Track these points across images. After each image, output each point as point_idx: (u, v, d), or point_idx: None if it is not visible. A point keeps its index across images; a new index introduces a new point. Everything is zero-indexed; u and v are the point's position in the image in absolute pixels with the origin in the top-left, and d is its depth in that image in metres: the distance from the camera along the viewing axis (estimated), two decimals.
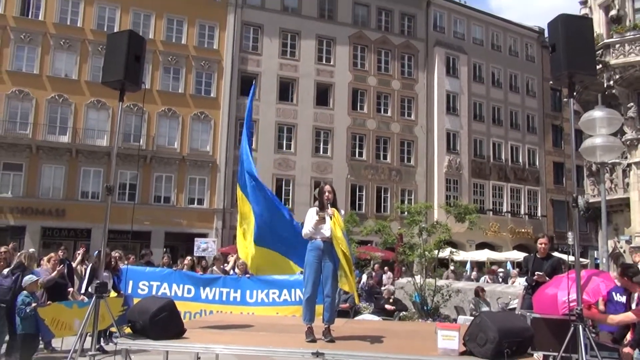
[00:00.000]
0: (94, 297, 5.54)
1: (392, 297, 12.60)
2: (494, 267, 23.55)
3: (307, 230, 5.40)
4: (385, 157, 33.71)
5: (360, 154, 33.10)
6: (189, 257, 11.26)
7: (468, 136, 36.03)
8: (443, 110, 35.19)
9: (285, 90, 31.96)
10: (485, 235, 33.76)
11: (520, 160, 38.44)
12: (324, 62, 32.85)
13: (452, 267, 21.93)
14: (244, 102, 30.66)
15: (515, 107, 38.96)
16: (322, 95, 32.63)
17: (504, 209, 37.07)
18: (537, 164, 39.25)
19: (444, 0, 36.79)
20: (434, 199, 33.24)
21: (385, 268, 22.68)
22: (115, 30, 26.48)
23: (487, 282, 18.07)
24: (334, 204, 5.54)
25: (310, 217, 5.43)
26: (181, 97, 29.69)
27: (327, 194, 5.54)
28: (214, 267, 11.24)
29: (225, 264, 11.62)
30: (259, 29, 31.80)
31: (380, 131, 33.68)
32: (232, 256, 11.04)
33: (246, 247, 7.48)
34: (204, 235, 27.23)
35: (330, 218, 5.36)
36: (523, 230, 36.77)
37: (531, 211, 38.32)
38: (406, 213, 14.89)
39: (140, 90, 5.98)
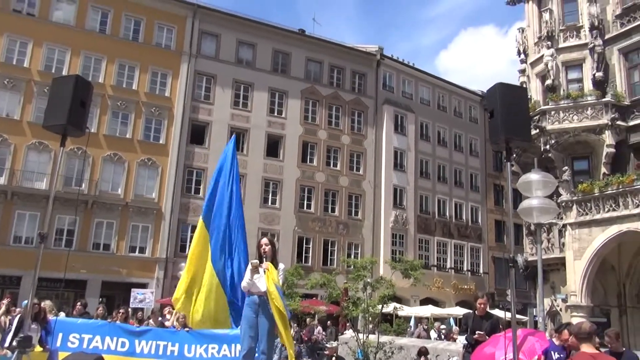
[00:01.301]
0: (16, 352, 5.19)
1: (335, 354, 12.39)
2: (436, 324, 23.70)
3: (244, 283, 5.33)
4: (333, 210, 33.93)
5: (309, 206, 33.19)
6: (122, 309, 10.75)
7: (414, 192, 36.88)
8: (391, 166, 36.03)
9: (236, 141, 31.93)
10: (429, 291, 34.08)
11: (464, 218, 39.52)
12: (275, 114, 33.26)
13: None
14: (193, 150, 30.53)
15: (460, 165, 40.40)
16: (273, 147, 32.86)
17: (448, 265, 37.71)
18: (480, 221, 40.44)
19: (393, 61, 38.35)
20: (380, 253, 33.51)
21: (329, 323, 22.45)
22: (64, 73, 26.12)
23: (436, 333, 18.09)
24: (273, 258, 5.49)
25: (248, 271, 5.38)
26: (128, 142, 29.17)
27: (263, 247, 5.51)
28: (150, 320, 10.77)
29: (164, 317, 11.16)
30: (212, 79, 32.03)
31: (329, 184, 34.02)
32: (170, 310, 10.65)
33: (188, 297, 7.20)
34: (144, 285, 26.26)
35: (264, 272, 5.30)
36: (466, 286, 37.36)
37: (474, 268, 39.13)
38: (352, 267, 14.91)
39: (83, 135, 5.84)
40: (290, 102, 33.71)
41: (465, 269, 38.55)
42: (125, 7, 30.34)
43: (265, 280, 5.24)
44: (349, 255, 32.07)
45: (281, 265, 5.70)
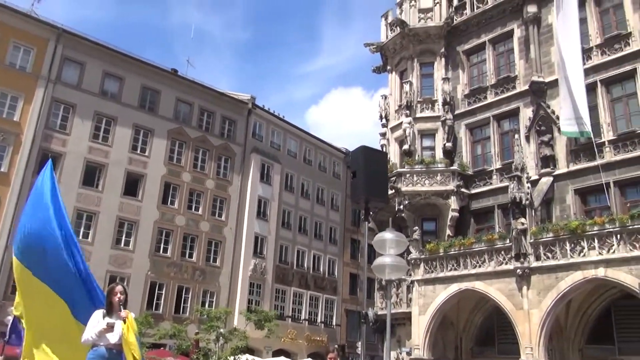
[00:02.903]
0: None
1: None
2: None
3: (88, 336, 4.82)
4: (191, 256, 32.77)
5: (165, 250, 31.73)
6: None
7: (275, 242, 37.05)
8: (254, 214, 35.99)
9: (91, 175, 29.87)
10: (282, 342, 33.91)
11: (322, 269, 40.39)
12: (138, 151, 31.82)
13: None
14: None
15: (320, 218, 41.56)
16: (132, 186, 31.19)
17: (302, 316, 37.98)
18: (336, 274, 41.57)
19: (264, 112, 39.03)
20: (236, 301, 32.85)
21: None
22: None
23: None
24: (124, 306, 5.11)
25: (95, 321, 4.88)
26: None
27: (119, 295, 5.10)
28: None
29: None
30: (71, 108, 29.91)
31: (189, 228, 32.96)
32: None
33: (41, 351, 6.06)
34: None
35: (124, 321, 4.91)
36: (318, 338, 37.78)
37: (327, 319, 39.82)
38: (206, 316, 14.39)
39: None
40: (155, 141, 32.53)
41: (319, 320, 39.09)
42: None
43: (125, 330, 4.82)
44: (203, 304, 30.97)
45: (132, 314, 5.30)
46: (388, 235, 8.74)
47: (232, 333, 12.90)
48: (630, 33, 19.78)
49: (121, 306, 5.07)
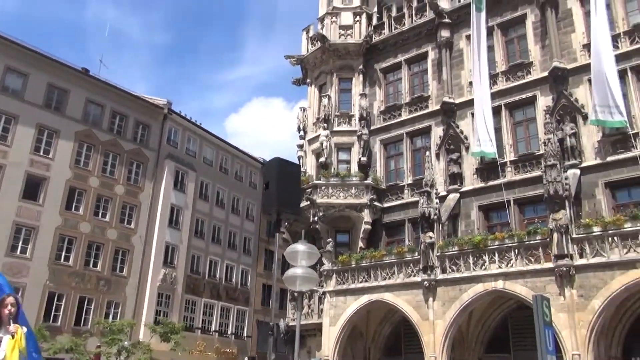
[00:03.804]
0: None
1: None
2: None
3: None
4: (95, 265, 31.11)
5: (67, 259, 29.88)
6: None
7: (187, 251, 36.07)
8: (165, 223, 34.86)
9: None
10: (190, 355, 32.89)
11: (234, 280, 39.76)
12: (41, 153, 29.87)
13: None
14: None
15: (235, 228, 40.99)
16: (32, 189, 29.17)
17: (213, 328, 37.15)
18: (249, 284, 41.08)
19: (181, 118, 38.08)
20: (143, 313, 31.56)
21: None
22: None
23: None
24: (14, 320, 4.71)
25: None
26: None
27: (9, 307, 4.71)
28: None
29: None
30: None
31: (95, 236, 31.31)
32: None
33: None
34: None
35: (12, 337, 4.52)
36: (228, 350, 37.06)
37: (238, 331, 39.21)
38: (108, 329, 13.66)
39: None
40: (61, 143, 30.68)
41: (229, 332, 38.40)
42: None
43: (8, 347, 4.41)
44: (107, 316, 29.48)
45: (23, 328, 4.89)
46: (300, 246, 8.76)
47: (136, 346, 12.33)
48: (532, 62, 21.32)
49: (10, 319, 4.68)
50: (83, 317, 29.65)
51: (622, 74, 18.36)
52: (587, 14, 20.02)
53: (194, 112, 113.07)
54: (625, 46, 19.17)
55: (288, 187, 5.42)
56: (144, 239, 33.45)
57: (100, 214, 31.94)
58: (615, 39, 19.07)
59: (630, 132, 17.91)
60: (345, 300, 20.65)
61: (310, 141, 26.30)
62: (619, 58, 18.39)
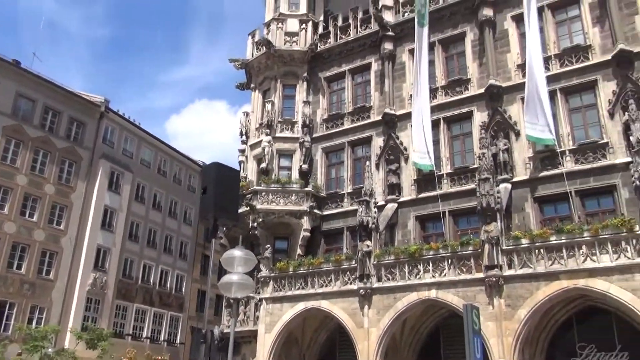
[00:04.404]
0: None
1: None
2: None
3: None
4: (20, 267, 29.51)
5: None
6: None
7: (120, 255, 34.85)
8: (98, 225, 33.57)
9: None
10: None
11: (168, 285, 38.74)
12: None
13: None
14: None
15: (171, 232, 40.00)
16: None
17: (144, 334, 36.00)
18: (184, 290, 40.14)
19: (119, 117, 36.87)
20: (70, 319, 30.19)
21: None
22: None
23: None
24: None
25: None
26: None
27: None
28: None
29: None
30: None
31: (20, 237, 29.72)
32: None
33: None
34: None
35: None
36: (160, 357, 35.92)
37: (171, 338, 38.19)
38: (31, 335, 12.95)
39: None
40: None
41: (162, 338, 37.32)
42: None
43: None
44: (30, 321, 28.00)
45: None
46: (237, 252, 8.65)
47: (60, 354, 11.74)
48: (470, 79, 22.10)
49: None
50: (4, 323, 27.97)
51: (552, 95, 19.37)
52: (522, 36, 21.00)
53: (133, 112, 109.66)
54: (555, 68, 20.23)
55: (226, 193, 5.34)
56: (74, 241, 32.06)
57: (27, 214, 30.39)
58: (547, 60, 20.12)
59: (558, 150, 18.90)
60: (281, 307, 20.55)
61: (252, 146, 26.11)
62: (550, 79, 19.40)
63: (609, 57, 19.09)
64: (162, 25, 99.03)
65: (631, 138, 16.53)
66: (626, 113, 17.55)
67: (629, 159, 16.82)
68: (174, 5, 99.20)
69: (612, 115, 18.60)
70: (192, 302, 40.55)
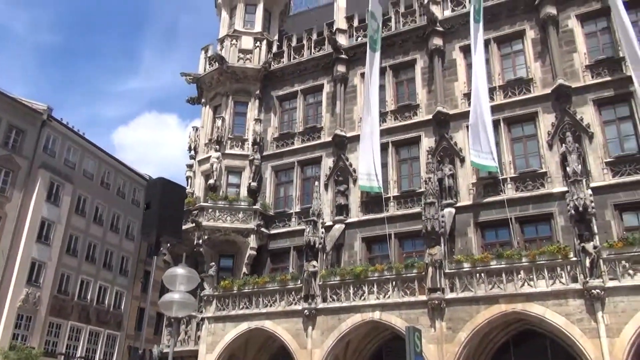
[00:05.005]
0: None
1: None
2: None
3: None
4: None
5: None
6: None
7: (55, 270, 33.33)
8: (33, 237, 32.05)
9: None
10: None
11: (107, 302, 37.30)
12: None
13: None
14: None
15: (112, 247, 38.67)
16: None
17: (78, 354, 34.38)
18: (123, 307, 38.74)
19: (62, 125, 35.60)
20: None
21: None
22: None
23: None
24: None
25: None
26: None
27: None
28: None
29: None
30: None
31: None
32: None
33: None
34: None
35: None
36: None
37: (107, 357, 36.64)
38: None
39: None
40: None
41: (97, 358, 35.77)
42: None
43: None
44: None
45: None
46: (180, 270, 8.42)
47: None
48: (419, 105, 22.67)
49: None
50: None
51: (496, 124, 20.13)
52: (469, 66, 21.78)
53: (79, 121, 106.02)
54: (499, 99, 21.07)
55: (170, 210, 5.22)
56: (7, 254, 30.45)
57: None
58: (491, 91, 20.93)
59: (500, 178, 19.58)
60: (224, 327, 20.15)
61: (201, 162, 25.75)
62: (494, 109, 20.17)
63: (549, 90, 20.07)
64: (114, 34, 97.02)
65: (568, 169, 17.30)
66: (563, 145, 18.39)
67: (565, 189, 17.56)
68: (127, 13, 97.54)
69: (550, 146, 19.50)
70: (131, 320, 39.13)
